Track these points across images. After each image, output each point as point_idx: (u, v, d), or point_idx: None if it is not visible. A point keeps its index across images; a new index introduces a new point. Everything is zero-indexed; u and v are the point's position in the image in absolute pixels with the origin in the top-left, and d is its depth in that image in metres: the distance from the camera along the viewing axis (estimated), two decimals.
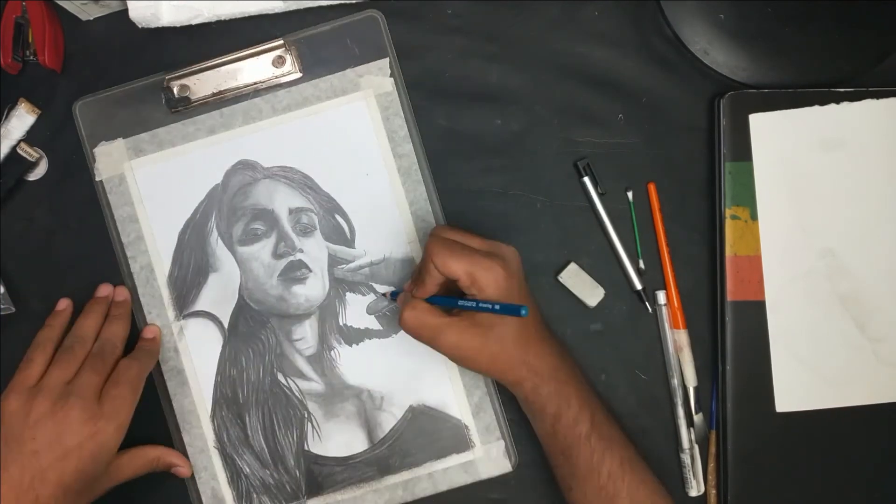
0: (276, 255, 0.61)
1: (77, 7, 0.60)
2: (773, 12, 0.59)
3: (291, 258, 0.60)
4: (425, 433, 0.60)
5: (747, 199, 0.59)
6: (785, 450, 0.58)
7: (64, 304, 0.60)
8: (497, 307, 0.50)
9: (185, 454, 0.60)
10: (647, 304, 0.61)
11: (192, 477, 0.60)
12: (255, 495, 0.60)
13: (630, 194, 0.61)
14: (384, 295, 0.60)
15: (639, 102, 0.61)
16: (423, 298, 0.53)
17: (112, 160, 0.61)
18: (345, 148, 0.61)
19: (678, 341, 0.60)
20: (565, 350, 0.56)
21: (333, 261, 0.61)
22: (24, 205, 0.62)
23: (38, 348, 0.56)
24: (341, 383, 0.60)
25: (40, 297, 0.61)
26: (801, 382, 0.58)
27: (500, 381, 0.55)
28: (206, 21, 0.60)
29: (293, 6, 0.60)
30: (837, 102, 0.59)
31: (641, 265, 0.61)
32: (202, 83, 0.60)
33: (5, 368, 0.60)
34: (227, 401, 0.60)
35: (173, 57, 0.61)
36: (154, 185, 0.61)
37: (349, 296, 0.61)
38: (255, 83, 0.60)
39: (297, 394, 0.60)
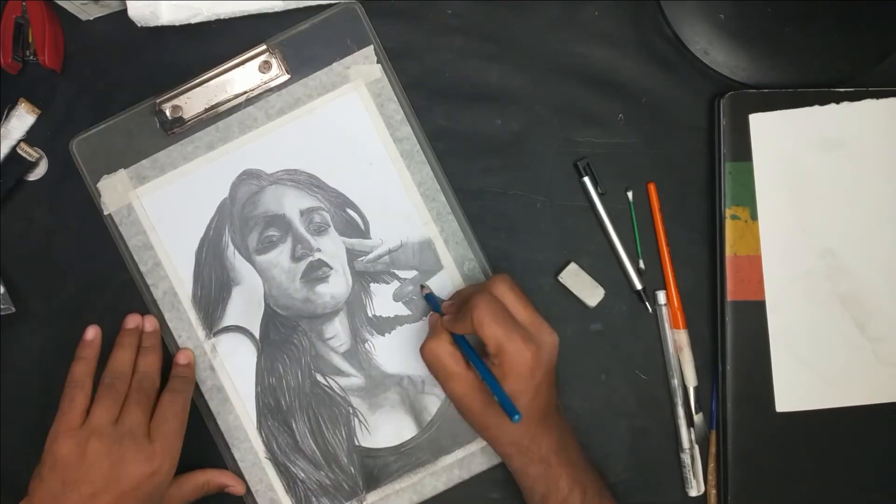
0: (295, 258, 0.61)
1: (77, 7, 0.60)
2: (773, 12, 0.59)
3: (311, 259, 0.61)
4: None
5: (747, 199, 0.59)
6: (785, 450, 0.58)
7: (92, 334, 0.59)
8: (499, 393, 0.49)
9: (237, 471, 0.60)
10: (647, 304, 0.61)
11: (249, 491, 0.60)
12: (314, 499, 0.60)
13: (630, 194, 0.61)
14: (421, 287, 0.60)
15: (639, 102, 0.61)
16: (451, 332, 0.53)
17: (117, 192, 0.60)
18: (345, 141, 0.61)
19: (678, 341, 0.60)
20: (567, 429, 0.56)
21: (352, 254, 0.61)
22: (24, 205, 0.62)
23: (77, 387, 0.56)
24: (381, 374, 0.61)
25: (40, 297, 0.61)
26: (800, 382, 0.58)
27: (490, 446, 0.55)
28: (206, 20, 0.60)
29: (293, 5, 0.60)
30: (837, 102, 0.59)
31: (641, 265, 0.61)
32: (193, 101, 0.60)
33: (5, 368, 0.60)
34: (271, 410, 0.60)
35: (173, 57, 0.61)
36: (163, 210, 0.61)
37: (374, 286, 0.61)
38: (245, 92, 0.60)
39: (338, 391, 0.60)
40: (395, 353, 0.61)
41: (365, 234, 0.61)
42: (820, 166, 0.59)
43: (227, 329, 0.61)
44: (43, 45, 0.59)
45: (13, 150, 0.61)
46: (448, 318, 0.53)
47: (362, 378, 0.61)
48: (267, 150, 0.61)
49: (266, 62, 0.60)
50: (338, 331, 0.61)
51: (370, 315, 0.61)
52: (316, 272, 0.61)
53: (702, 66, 0.59)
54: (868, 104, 0.59)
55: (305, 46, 0.61)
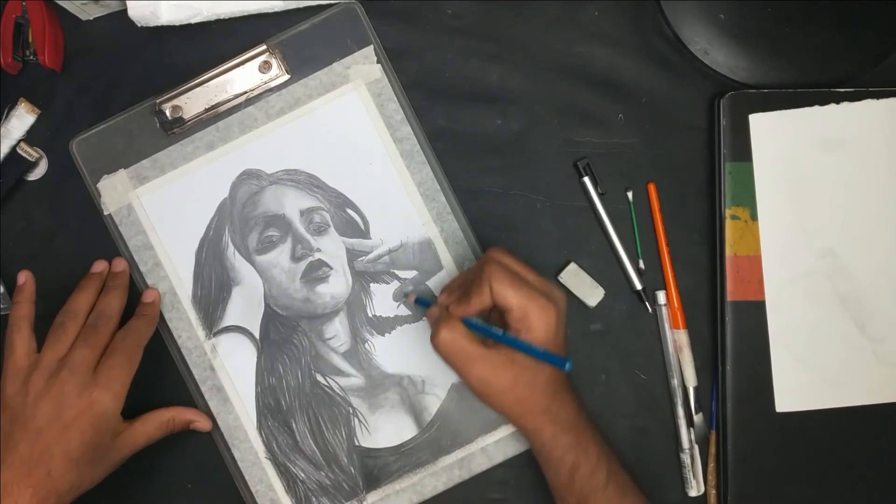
0: (295, 258, 0.61)
1: (77, 7, 0.60)
2: (773, 12, 0.59)
3: (311, 259, 0.61)
4: (471, 409, 0.60)
5: (747, 199, 0.59)
6: (785, 450, 0.58)
7: (23, 278, 0.59)
8: (542, 352, 0.49)
9: (237, 471, 0.60)
10: (647, 304, 0.61)
11: (251, 491, 0.60)
12: (314, 499, 0.60)
13: (630, 194, 0.61)
14: (406, 296, 0.60)
15: (639, 102, 0.61)
16: (461, 318, 0.51)
17: (117, 192, 0.60)
18: (344, 141, 0.61)
19: (678, 341, 0.60)
20: (583, 400, 0.55)
21: (352, 254, 0.61)
22: (24, 205, 0.62)
23: (13, 329, 0.56)
24: (381, 374, 0.61)
25: (40, 297, 0.61)
26: (800, 382, 0.58)
27: (516, 425, 0.54)
28: (206, 20, 0.60)
29: (293, 5, 0.60)
30: (837, 102, 0.59)
31: (641, 265, 0.61)
32: (193, 101, 0.60)
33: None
34: (271, 410, 0.60)
35: (173, 57, 0.61)
36: (163, 210, 0.61)
37: (373, 286, 0.61)
38: (245, 92, 0.60)
39: (338, 391, 0.61)
40: (395, 353, 0.61)
41: (365, 234, 0.61)
42: (820, 166, 0.59)
43: (227, 329, 0.61)
44: (43, 45, 0.59)
45: (13, 150, 0.61)
46: (456, 303, 0.52)
47: (362, 378, 0.61)
48: (267, 150, 0.61)
49: (266, 62, 0.60)
50: (338, 331, 0.61)
51: (370, 315, 0.61)
52: (316, 272, 0.61)
53: (702, 66, 0.59)
54: (868, 104, 0.59)
55: (305, 46, 0.61)
